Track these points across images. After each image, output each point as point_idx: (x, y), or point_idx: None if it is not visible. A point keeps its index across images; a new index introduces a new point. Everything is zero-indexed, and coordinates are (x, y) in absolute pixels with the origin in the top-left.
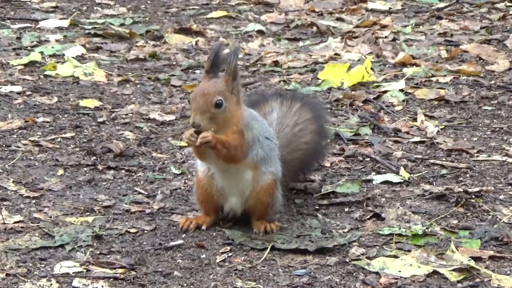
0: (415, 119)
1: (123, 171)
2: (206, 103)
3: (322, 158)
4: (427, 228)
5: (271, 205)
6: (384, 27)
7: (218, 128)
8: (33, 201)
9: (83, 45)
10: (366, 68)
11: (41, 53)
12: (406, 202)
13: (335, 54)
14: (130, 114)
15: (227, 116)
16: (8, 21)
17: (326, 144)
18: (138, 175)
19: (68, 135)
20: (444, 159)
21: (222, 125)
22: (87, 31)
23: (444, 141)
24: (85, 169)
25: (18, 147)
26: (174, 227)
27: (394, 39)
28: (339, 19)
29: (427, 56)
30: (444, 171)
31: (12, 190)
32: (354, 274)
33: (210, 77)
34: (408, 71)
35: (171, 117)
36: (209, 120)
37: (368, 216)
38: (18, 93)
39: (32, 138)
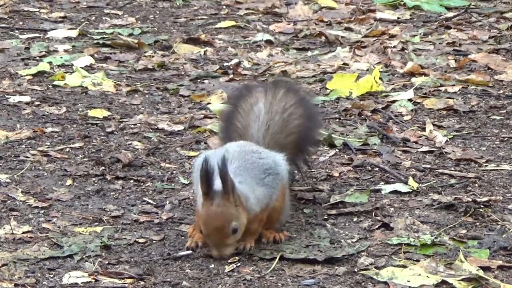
0: (423, 129)
1: (131, 181)
2: (223, 236)
3: (316, 137)
4: (435, 237)
5: (281, 212)
6: (392, 36)
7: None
8: (42, 211)
9: (92, 55)
10: (374, 77)
11: (50, 63)
12: (415, 211)
13: (344, 64)
14: (139, 124)
15: (241, 232)
16: (17, 31)
17: (317, 123)
18: (146, 185)
19: (77, 145)
20: (452, 168)
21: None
22: (95, 41)
23: (453, 151)
24: (94, 179)
25: (27, 157)
26: (183, 237)
27: (402, 49)
28: (347, 29)
29: (435, 66)
30: (452, 181)
31: (20, 200)
32: (363, 284)
33: (210, 198)
34: (417, 80)
35: (180, 127)
36: (231, 246)
37: (377, 226)
38: (27, 103)
39: (40, 148)
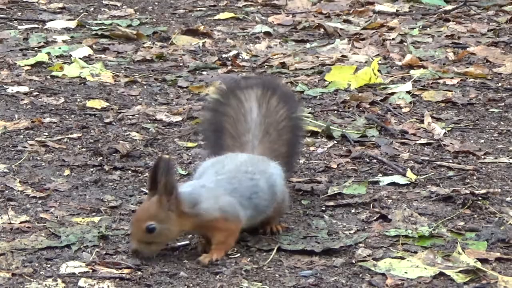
0: (422, 121)
1: (129, 171)
2: (139, 230)
3: (299, 146)
4: (433, 229)
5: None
6: (391, 29)
7: (163, 245)
8: (40, 201)
9: (90, 46)
10: (373, 70)
11: (48, 53)
12: (413, 203)
13: (342, 56)
14: (137, 115)
15: (166, 236)
16: (15, 21)
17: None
18: (144, 175)
19: (75, 135)
20: (451, 161)
21: (165, 242)
22: (94, 32)
23: (451, 143)
24: (92, 169)
25: (25, 147)
26: None
27: (401, 41)
28: (346, 21)
29: (434, 58)
30: (451, 173)
31: (18, 190)
32: (360, 275)
33: (151, 194)
34: (415, 73)
35: (178, 118)
36: (147, 245)
37: (375, 218)
38: (25, 93)
39: (38, 138)
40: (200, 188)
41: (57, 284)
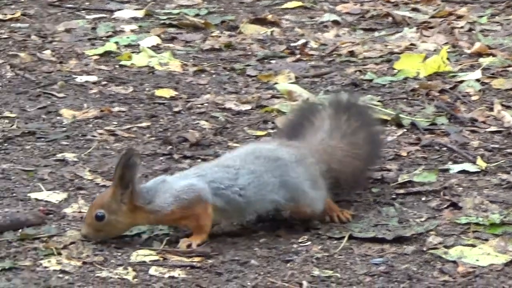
0: (491, 109)
1: (199, 160)
2: (90, 216)
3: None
4: (504, 217)
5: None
6: (459, 17)
7: (112, 235)
8: None
9: (158, 35)
10: (442, 58)
11: (116, 43)
12: (483, 191)
13: (411, 44)
14: (206, 104)
15: (115, 227)
16: (83, 11)
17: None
18: None
19: (144, 124)
20: None
21: (113, 233)
22: (162, 22)
23: None
24: (161, 158)
25: (94, 136)
26: (251, 215)
27: (470, 30)
28: (414, 10)
29: (503, 46)
30: None
31: (88, 179)
32: (432, 263)
33: (114, 186)
34: (484, 61)
35: (247, 107)
36: (95, 231)
37: (445, 205)
38: (94, 83)
39: (107, 127)
40: (160, 183)
41: (127, 272)
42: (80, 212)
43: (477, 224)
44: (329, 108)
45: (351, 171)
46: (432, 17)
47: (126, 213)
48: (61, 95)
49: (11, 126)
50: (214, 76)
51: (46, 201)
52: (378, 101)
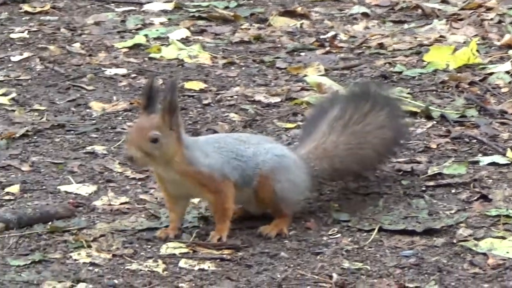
0: None
1: None
2: (141, 138)
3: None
4: None
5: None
6: (489, 9)
7: (154, 164)
8: (139, 183)
9: (188, 28)
10: (471, 50)
11: (146, 36)
12: None
13: (440, 36)
14: (235, 96)
15: (164, 153)
16: (112, 4)
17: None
18: None
19: None
20: None
21: (158, 161)
22: (191, 14)
23: None
24: None
25: (124, 129)
26: None
27: (499, 22)
28: (444, 2)
29: None
30: None
31: (118, 172)
32: (462, 255)
33: (148, 112)
34: None
35: (277, 99)
36: (144, 155)
37: (475, 198)
38: (123, 75)
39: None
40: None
41: (157, 265)
42: (109, 204)
43: (507, 216)
44: (340, 98)
45: (360, 161)
46: (462, 9)
47: (175, 141)
48: (91, 87)
49: (40, 119)
50: (243, 68)
51: (75, 194)
52: (408, 93)
